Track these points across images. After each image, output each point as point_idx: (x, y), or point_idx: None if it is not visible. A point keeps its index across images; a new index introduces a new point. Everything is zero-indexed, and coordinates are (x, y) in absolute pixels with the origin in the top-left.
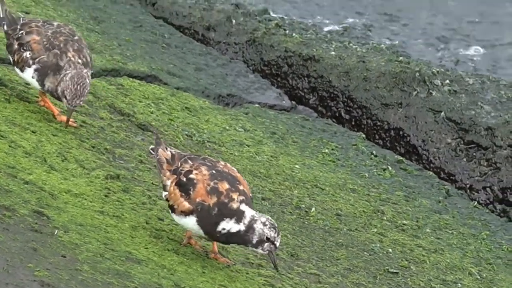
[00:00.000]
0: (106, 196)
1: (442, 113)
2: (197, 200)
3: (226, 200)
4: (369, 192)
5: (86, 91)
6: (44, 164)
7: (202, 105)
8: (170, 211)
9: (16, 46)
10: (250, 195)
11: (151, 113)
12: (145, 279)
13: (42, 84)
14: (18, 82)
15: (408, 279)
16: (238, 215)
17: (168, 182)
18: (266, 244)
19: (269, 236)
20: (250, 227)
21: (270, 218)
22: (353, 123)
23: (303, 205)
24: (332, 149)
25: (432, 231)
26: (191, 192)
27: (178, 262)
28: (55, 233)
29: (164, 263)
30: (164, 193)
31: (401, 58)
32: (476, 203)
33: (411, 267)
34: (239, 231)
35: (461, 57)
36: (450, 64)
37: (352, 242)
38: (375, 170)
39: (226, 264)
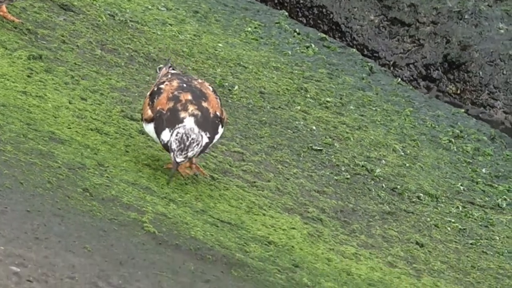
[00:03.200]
0: (28, 76)
1: None
2: (158, 108)
3: (179, 108)
4: (292, 70)
5: None
6: None
7: None
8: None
9: None
10: (217, 112)
11: None
12: (68, 159)
13: None
14: None
15: (332, 156)
16: (174, 124)
17: (147, 94)
18: (171, 155)
19: (172, 147)
20: (172, 133)
21: (193, 134)
22: (276, 1)
23: (226, 84)
24: (255, 28)
25: (355, 108)
26: (155, 100)
27: (101, 141)
28: None
29: (87, 143)
30: None
31: None
32: (399, 79)
33: (335, 144)
34: (168, 141)
35: None
36: None
37: (275, 120)
38: (298, 48)
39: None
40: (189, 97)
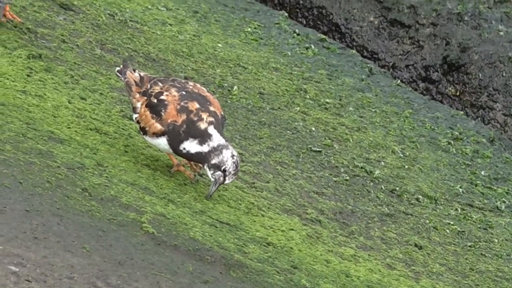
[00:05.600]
0: (28, 75)
1: None
2: (169, 121)
3: (195, 119)
4: (292, 70)
5: None
6: None
7: None
8: (141, 133)
9: None
10: (221, 113)
11: None
12: (67, 159)
13: None
14: None
15: (331, 157)
16: (203, 137)
17: (138, 105)
18: (218, 173)
19: (227, 169)
20: (217, 149)
21: (238, 155)
22: (275, 1)
23: (226, 84)
24: (255, 28)
25: (355, 109)
26: (163, 113)
27: (100, 141)
28: None
29: (86, 143)
30: (135, 115)
31: None
32: (399, 81)
33: (334, 145)
34: (200, 152)
35: None
36: None
37: (275, 120)
38: (298, 49)
39: (191, 179)
40: (197, 105)
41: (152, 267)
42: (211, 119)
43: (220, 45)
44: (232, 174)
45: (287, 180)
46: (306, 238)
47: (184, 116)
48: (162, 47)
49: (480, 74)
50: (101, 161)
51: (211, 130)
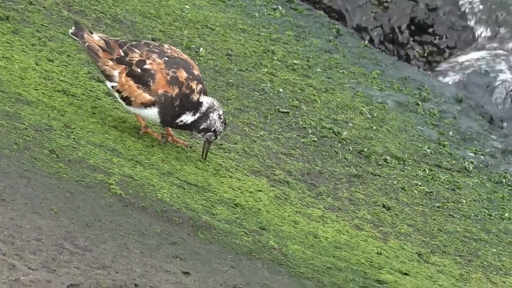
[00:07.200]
0: None
1: None
2: (159, 91)
3: (187, 91)
4: (260, 32)
5: None
6: None
7: None
8: (124, 102)
9: None
10: (200, 74)
11: None
12: (35, 120)
13: None
14: None
15: (299, 118)
16: (196, 108)
17: (115, 73)
18: (209, 134)
19: (217, 130)
20: (205, 115)
21: (223, 112)
22: None
23: (193, 45)
24: None
25: (322, 70)
26: (151, 84)
27: (68, 103)
28: None
29: (54, 104)
30: (111, 84)
31: None
32: (366, 42)
33: (302, 106)
34: (193, 121)
35: None
36: None
37: (242, 82)
38: (265, 10)
39: (185, 146)
40: (184, 73)
41: (119, 229)
42: (200, 86)
43: (187, 6)
44: (222, 132)
45: (254, 141)
46: (274, 199)
47: (176, 89)
48: (130, 9)
49: (447, 35)
50: (69, 123)
51: (202, 98)
